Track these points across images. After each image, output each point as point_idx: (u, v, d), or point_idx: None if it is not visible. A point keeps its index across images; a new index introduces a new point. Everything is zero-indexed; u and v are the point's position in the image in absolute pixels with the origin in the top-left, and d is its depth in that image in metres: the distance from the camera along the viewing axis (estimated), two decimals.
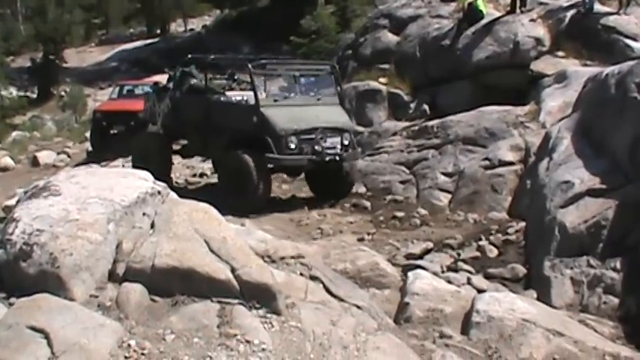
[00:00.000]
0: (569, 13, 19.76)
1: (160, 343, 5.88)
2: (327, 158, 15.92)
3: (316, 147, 15.84)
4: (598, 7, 19.64)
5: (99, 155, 23.45)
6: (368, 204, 15.95)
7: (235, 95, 17.89)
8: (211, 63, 18.46)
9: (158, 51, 41.76)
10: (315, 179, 17.42)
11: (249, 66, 16.16)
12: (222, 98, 17.53)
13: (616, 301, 9.40)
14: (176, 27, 54.23)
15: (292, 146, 15.65)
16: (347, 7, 30.50)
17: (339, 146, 16.31)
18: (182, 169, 20.68)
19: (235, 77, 19.47)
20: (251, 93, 16.64)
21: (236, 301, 6.43)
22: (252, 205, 15.27)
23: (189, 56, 19.02)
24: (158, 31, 52.16)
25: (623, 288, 9.48)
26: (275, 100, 16.37)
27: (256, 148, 15.60)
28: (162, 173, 16.55)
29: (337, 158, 16.12)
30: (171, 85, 18.62)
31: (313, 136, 15.88)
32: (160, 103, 18.46)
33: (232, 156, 15.86)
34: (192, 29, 51.46)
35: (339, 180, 16.81)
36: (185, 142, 18.74)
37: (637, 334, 8.61)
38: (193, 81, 18.10)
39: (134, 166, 17.50)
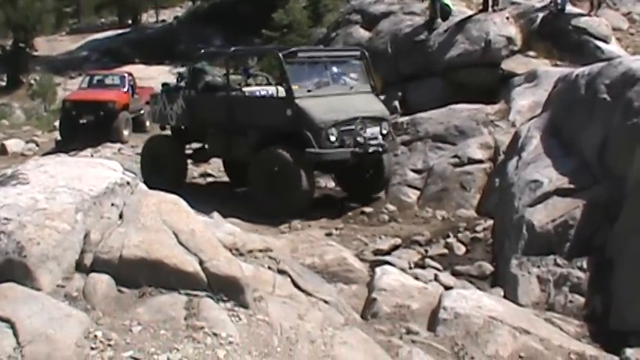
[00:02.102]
0: (541, 14, 19.89)
1: (127, 334, 5.84)
2: (371, 149, 14.85)
3: (358, 138, 14.81)
4: (569, 8, 19.78)
5: (68, 145, 23.28)
6: (338, 198, 15.91)
7: (256, 91, 16.93)
8: (233, 56, 17.60)
9: (129, 41, 41.52)
10: (348, 175, 16.26)
11: (280, 55, 15.13)
12: (246, 93, 16.53)
13: (582, 300, 9.46)
14: (148, 18, 53.96)
15: (333, 139, 14.58)
16: (319, 2, 30.47)
17: (380, 136, 15.30)
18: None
19: (250, 72, 18.51)
20: (271, 88, 16.34)
21: (203, 293, 6.40)
22: (296, 208, 14.42)
23: (202, 52, 18.27)
24: (130, 22, 51.92)
25: (589, 287, 9.55)
26: (309, 91, 15.14)
27: (291, 144, 14.63)
28: (177, 180, 16.59)
29: (380, 149, 15.09)
30: (182, 84, 17.59)
31: (353, 126, 14.86)
32: (171, 105, 17.26)
33: (269, 154, 14.79)
34: (163, 20, 51.22)
35: (377, 174, 15.77)
36: (196, 146, 17.86)
37: (602, 333, 8.67)
38: (209, 78, 17.03)
39: (144, 175, 16.70)
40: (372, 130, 15.16)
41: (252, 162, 15.29)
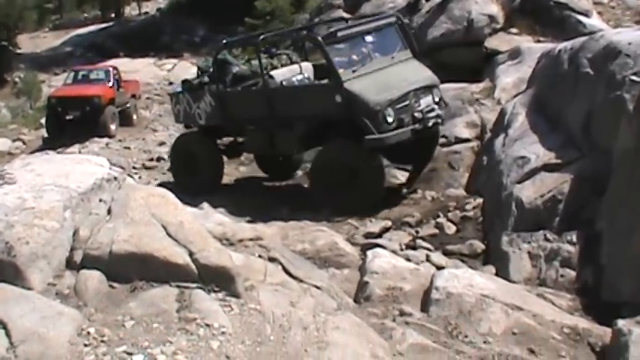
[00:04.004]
0: None
1: (120, 329, 5.86)
2: (431, 123, 13.84)
3: (415, 114, 13.74)
4: None
5: (55, 142, 23.21)
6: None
7: (291, 76, 15.54)
8: (262, 43, 16.10)
9: (113, 35, 41.36)
10: (398, 151, 14.46)
11: (320, 39, 14.12)
12: (284, 83, 15.11)
13: (573, 273, 9.49)
14: (130, 11, 53.74)
15: (390, 120, 13.46)
16: None
17: (435, 106, 14.19)
18: (139, 153, 20.52)
19: (272, 52, 17.00)
20: (296, 67, 15.65)
21: (195, 285, 6.44)
22: (366, 203, 13.39)
23: (224, 42, 16.98)
24: (112, 15, 51.70)
25: (579, 261, 9.58)
26: (354, 71, 13.88)
27: (345, 132, 13.80)
28: (214, 181, 16.03)
29: (439, 120, 14.15)
30: (205, 79, 16.32)
31: (407, 102, 13.74)
32: (197, 103, 16.01)
33: (332, 148, 13.97)
34: (146, 12, 51.00)
35: (428, 146, 14.67)
36: (228, 139, 16.92)
37: (594, 306, 8.71)
38: (235, 69, 16.11)
39: (177, 179, 16.38)
40: (426, 101, 14.13)
41: (314, 159, 14.69)
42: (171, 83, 29.68)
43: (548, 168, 11.08)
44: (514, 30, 19.27)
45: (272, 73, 15.42)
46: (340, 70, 13.72)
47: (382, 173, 13.93)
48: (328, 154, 14.09)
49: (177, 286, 6.41)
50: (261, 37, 15.95)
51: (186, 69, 31.44)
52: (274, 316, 6.46)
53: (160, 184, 15.19)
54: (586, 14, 18.87)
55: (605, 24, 18.84)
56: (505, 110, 13.77)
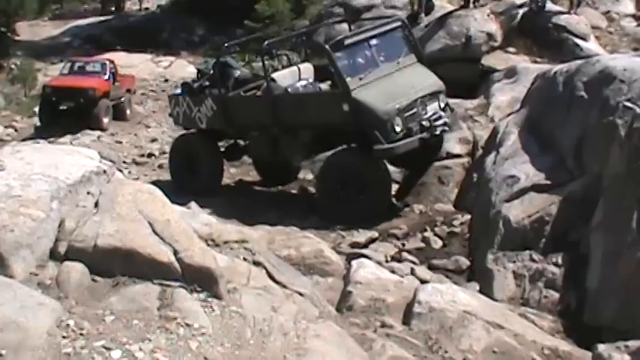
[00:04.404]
0: (522, 11, 20.07)
1: (99, 323, 5.84)
2: (438, 131, 13.82)
3: (423, 122, 13.66)
4: (550, 6, 19.96)
5: (47, 131, 23.11)
6: (314, 190, 15.84)
7: (295, 81, 15.30)
8: (267, 51, 15.69)
9: (112, 28, 41.19)
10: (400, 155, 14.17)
11: (327, 48, 13.96)
12: (289, 90, 14.83)
13: (556, 295, 9.53)
14: (131, 5, 53.59)
15: (398, 129, 13.36)
16: None
17: (441, 113, 14.17)
18: (130, 148, 20.45)
19: (273, 52, 16.57)
20: (295, 69, 15.53)
21: (177, 284, 6.42)
22: (373, 211, 13.30)
23: (225, 45, 16.87)
24: (113, 9, 51.58)
25: (563, 283, 9.63)
26: (360, 79, 13.72)
27: (352, 141, 13.87)
28: (214, 183, 15.85)
29: (447, 128, 14.14)
30: (206, 82, 16.17)
31: (415, 109, 13.71)
32: (198, 107, 15.73)
33: (339, 158, 13.96)
34: (147, 8, 50.84)
35: (432, 152, 14.52)
36: (228, 141, 16.70)
37: (576, 328, 8.75)
38: (237, 73, 15.95)
39: (175, 180, 16.18)
40: (433, 107, 14.11)
41: (320, 168, 14.56)
42: (166, 80, 29.63)
43: (537, 189, 11.10)
44: (511, 49, 19.36)
45: (274, 75, 15.24)
46: (347, 79, 13.58)
47: (389, 182, 13.97)
48: (335, 162, 14.05)
49: (160, 284, 6.39)
50: (266, 43, 15.69)
51: (182, 67, 31.41)
52: (255, 320, 6.44)
53: (152, 182, 15.10)
54: (584, 38, 18.97)
55: (602, 49, 18.91)
56: (498, 128, 13.77)
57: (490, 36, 19.49)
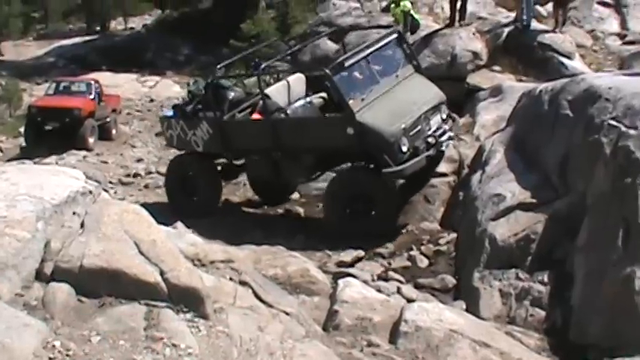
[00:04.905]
0: (507, 29, 20.09)
1: (86, 344, 5.82)
2: (444, 147, 13.81)
3: (429, 139, 13.55)
4: (535, 25, 20.00)
5: (32, 151, 23.05)
6: (301, 210, 15.84)
7: (293, 104, 14.97)
8: (265, 70, 15.57)
9: (97, 48, 41.18)
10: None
11: (326, 71, 13.60)
12: (289, 112, 14.55)
13: (542, 313, 9.55)
14: (116, 25, 53.60)
15: (405, 149, 13.15)
16: (287, 13, 30.43)
17: (445, 126, 14.09)
18: (116, 168, 20.39)
19: (261, 65, 15.93)
20: (284, 82, 15.17)
21: (164, 304, 6.41)
22: (380, 230, 13.18)
23: (219, 66, 16.48)
24: (98, 29, 51.57)
25: (549, 301, 9.64)
26: (362, 100, 13.46)
27: (355, 159, 13.81)
28: (211, 204, 15.58)
29: (451, 142, 14.10)
30: (198, 104, 15.70)
31: (419, 126, 13.54)
32: (193, 130, 15.34)
33: (347, 177, 13.91)
34: (132, 28, 50.89)
35: (433, 166, 14.36)
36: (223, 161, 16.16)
37: (562, 346, 8.76)
38: (231, 95, 15.58)
39: (172, 201, 15.92)
40: (436, 121, 14.03)
41: (327, 187, 14.21)
42: (151, 100, 29.60)
43: (523, 207, 11.14)
44: (497, 68, 19.40)
45: (267, 91, 14.96)
46: (350, 101, 13.31)
47: (396, 200, 13.77)
48: (342, 182, 13.89)
49: (146, 304, 6.38)
50: (262, 66, 15.53)
51: (168, 87, 31.44)
52: (242, 340, 6.44)
53: (142, 204, 15.04)
54: (569, 56, 19.03)
55: (587, 67, 18.98)
56: (484, 147, 13.84)
57: (475, 54, 19.55)
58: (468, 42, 19.77)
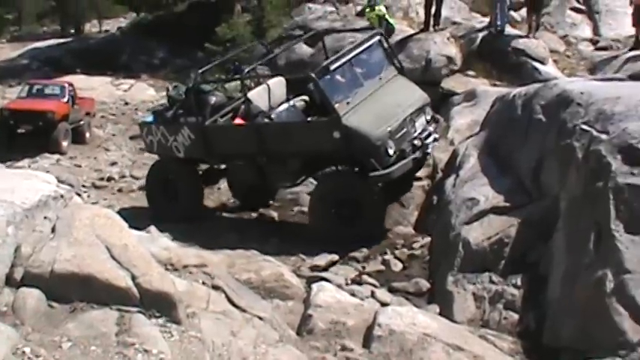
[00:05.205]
0: (481, 34, 20.28)
1: (56, 350, 5.78)
2: (429, 149, 13.86)
3: (415, 142, 13.57)
4: (508, 30, 20.21)
5: (5, 155, 22.86)
6: (275, 214, 15.82)
7: (277, 108, 14.81)
8: (248, 73, 15.36)
9: (71, 51, 40.95)
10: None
11: (312, 76, 13.57)
12: (274, 117, 14.38)
13: (516, 316, 9.57)
14: (91, 27, 53.38)
15: (391, 152, 13.14)
16: (263, 17, 30.43)
17: (429, 128, 14.12)
18: (89, 172, 20.28)
19: (241, 68, 16.12)
20: (265, 85, 15.07)
21: (135, 309, 6.37)
22: (368, 235, 13.13)
23: (200, 71, 16.39)
24: (72, 31, 51.34)
25: (522, 304, 9.66)
26: (348, 103, 13.38)
27: (341, 163, 13.77)
28: (194, 209, 15.40)
29: (437, 143, 14.17)
30: (180, 111, 15.46)
31: (405, 129, 13.54)
32: (174, 135, 15.13)
33: (333, 181, 13.93)
34: (107, 30, 50.68)
35: (416, 170, 14.38)
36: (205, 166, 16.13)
37: (535, 349, 8.79)
38: (213, 99, 15.34)
39: (153, 206, 15.75)
40: (420, 122, 14.04)
41: (313, 191, 14.25)
42: (126, 103, 29.47)
43: (496, 211, 11.17)
44: (471, 72, 19.54)
45: (249, 96, 14.80)
46: (336, 105, 13.21)
47: (383, 204, 13.66)
48: (328, 186, 13.86)
49: (118, 310, 6.34)
50: (247, 70, 15.39)
51: (143, 90, 31.31)
52: (214, 344, 6.41)
53: (121, 209, 14.94)
54: (542, 62, 19.20)
55: (560, 72, 19.14)
56: (457, 151, 13.88)
57: (450, 59, 19.66)
58: (442, 47, 19.90)
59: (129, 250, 6.75)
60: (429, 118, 14.42)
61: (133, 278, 6.46)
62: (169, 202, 15.38)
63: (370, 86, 14.03)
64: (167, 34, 37.64)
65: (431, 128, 14.17)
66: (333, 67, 13.74)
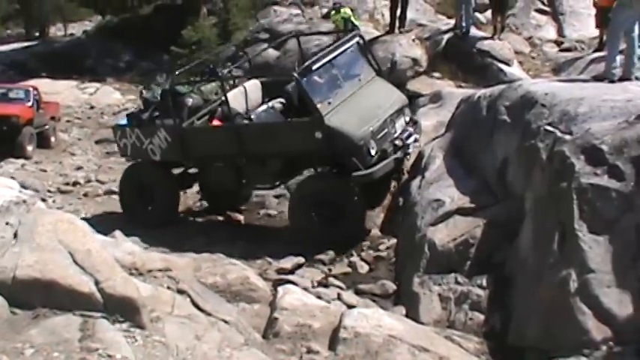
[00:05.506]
0: (446, 36, 20.36)
1: (19, 357, 5.73)
2: (410, 149, 13.75)
3: (396, 142, 13.56)
4: (474, 32, 20.30)
5: None
6: (241, 218, 15.78)
7: (257, 109, 14.81)
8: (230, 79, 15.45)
9: (36, 54, 40.67)
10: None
11: (296, 76, 13.39)
12: (253, 117, 14.35)
13: (481, 317, 9.61)
14: (56, 31, 53.05)
15: (373, 152, 13.08)
16: (228, 20, 30.39)
17: (409, 129, 14.09)
18: (55, 176, 20.12)
19: (216, 71, 16.10)
20: (241, 88, 15.04)
21: (99, 314, 6.33)
22: (350, 237, 13.13)
23: (177, 73, 16.24)
24: (37, 34, 51.01)
25: (488, 305, 9.70)
26: (329, 103, 13.33)
27: (322, 165, 13.79)
28: (170, 213, 15.29)
29: (417, 144, 14.02)
30: (155, 113, 15.25)
31: (386, 129, 13.51)
32: (150, 138, 14.87)
33: (314, 182, 13.80)
34: (72, 34, 50.41)
35: (395, 171, 14.16)
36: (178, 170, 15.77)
37: (501, 349, 8.83)
38: (190, 101, 15.19)
39: (127, 211, 15.47)
40: (400, 124, 14.04)
41: (293, 194, 14.15)
42: (92, 107, 29.30)
43: (462, 212, 11.21)
44: (436, 74, 19.63)
45: (229, 97, 14.53)
46: (318, 105, 13.11)
47: (364, 205, 13.51)
48: (308, 188, 13.75)
49: (81, 315, 6.30)
50: (227, 71, 15.45)
51: (108, 94, 31.14)
52: (178, 349, 6.38)
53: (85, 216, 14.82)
54: (507, 63, 19.31)
55: (525, 73, 19.25)
56: (423, 153, 13.92)
57: (415, 61, 19.75)
58: (407, 49, 19.97)
59: (92, 255, 6.70)
60: (407, 119, 14.44)
61: (97, 283, 6.42)
62: (145, 207, 15.22)
63: (349, 87, 14.00)
64: (133, 37, 37.47)
65: (410, 129, 14.17)
66: (315, 67, 13.66)
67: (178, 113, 14.79)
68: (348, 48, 14.57)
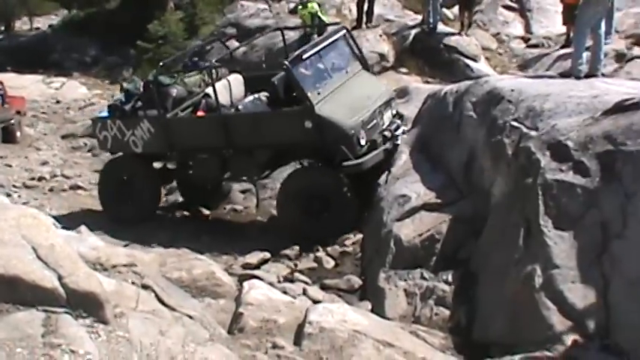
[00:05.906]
0: (414, 31, 20.39)
1: None
2: (399, 141, 13.56)
3: (385, 133, 13.56)
4: (441, 27, 20.36)
5: None
6: (207, 212, 15.74)
7: (242, 100, 14.88)
8: (215, 66, 15.44)
9: (2, 49, 40.45)
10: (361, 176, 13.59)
11: (287, 64, 13.21)
12: (240, 108, 14.37)
13: (447, 312, 9.62)
14: (21, 25, 52.69)
15: (363, 142, 13.08)
16: (195, 14, 30.35)
17: (398, 121, 14.15)
18: (20, 171, 19.98)
19: (199, 64, 16.13)
20: (224, 82, 14.94)
21: (62, 309, 6.26)
22: (338, 232, 13.01)
23: (161, 64, 16.11)
24: (2, 28, 50.62)
25: (454, 300, 9.72)
26: (319, 93, 13.29)
27: (309, 155, 13.82)
28: (150, 208, 15.24)
29: (405, 135, 13.76)
30: (138, 103, 15.04)
31: (375, 120, 13.50)
32: (132, 130, 14.75)
33: (304, 174, 13.80)
34: (37, 28, 50.13)
35: (383, 165, 13.70)
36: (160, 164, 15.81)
37: (466, 345, 8.83)
38: (174, 92, 15.03)
39: (106, 207, 15.37)
40: (388, 116, 14.06)
41: (281, 188, 13.82)
42: (57, 102, 29.15)
43: (428, 207, 11.25)
44: (403, 69, 19.67)
45: (208, 91, 14.61)
46: (308, 94, 13.09)
47: (354, 197, 13.30)
48: (297, 181, 13.62)
49: (44, 311, 6.23)
50: (214, 61, 15.42)
51: (74, 88, 31.03)
52: (142, 344, 6.34)
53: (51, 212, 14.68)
54: (474, 59, 19.39)
55: (492, 69, 19.35)
56: None
57: (382, 56, 19.76)
58: (375, 44, 19.97)
59: (55, 250, 6.64)
60: (394, 112, 14.51)
61: (60, 279, 6.35)
62: (125, 203, 15.07)
63: (338, 79, 13.99)
64: (99, 31, 37.38)
65: (399, 122, 14.23)
66: (305, 55, 13.63)
67: (162, 104, 14.66)
68: (336, 41, 14.55)
